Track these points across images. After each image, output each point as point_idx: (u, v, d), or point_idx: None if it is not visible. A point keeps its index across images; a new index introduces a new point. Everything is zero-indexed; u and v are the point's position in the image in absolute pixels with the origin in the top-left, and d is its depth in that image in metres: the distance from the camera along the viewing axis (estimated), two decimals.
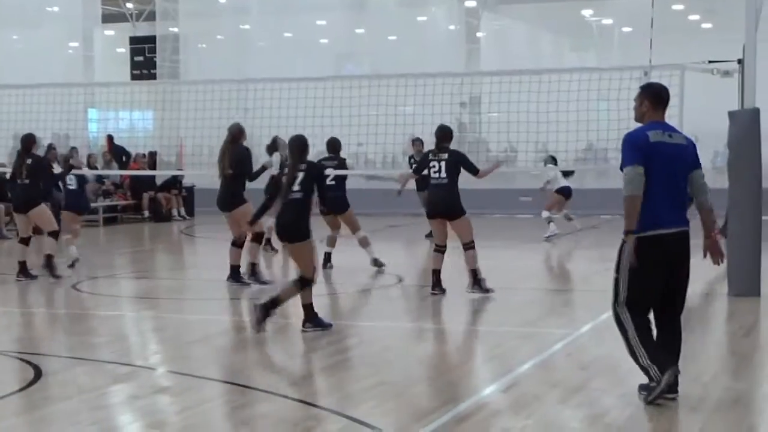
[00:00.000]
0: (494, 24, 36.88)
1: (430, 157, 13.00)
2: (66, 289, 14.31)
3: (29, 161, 14.99)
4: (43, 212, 15.08)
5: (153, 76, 30.77)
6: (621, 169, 7.52)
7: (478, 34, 35.36)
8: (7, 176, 15.87)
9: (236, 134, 14.00)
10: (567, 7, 36.38)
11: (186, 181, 27.96)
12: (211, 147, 18.66)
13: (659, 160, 7.45)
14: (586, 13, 37.22)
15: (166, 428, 7.21)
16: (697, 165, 7.74)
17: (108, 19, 36.19)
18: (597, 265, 15.90)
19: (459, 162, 12.86)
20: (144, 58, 31.18)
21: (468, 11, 34.84)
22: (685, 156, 7.64)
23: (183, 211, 27.76)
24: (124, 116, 27.96)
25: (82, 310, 12.94)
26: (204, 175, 21.43)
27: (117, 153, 27.80)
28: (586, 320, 11.53)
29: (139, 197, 26.76)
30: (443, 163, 12.79)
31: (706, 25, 36.06)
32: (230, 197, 13.83)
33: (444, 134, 13.00)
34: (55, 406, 7.74)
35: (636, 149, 7.46)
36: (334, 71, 29.91)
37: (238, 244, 13.79)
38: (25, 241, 15.09)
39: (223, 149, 14.01)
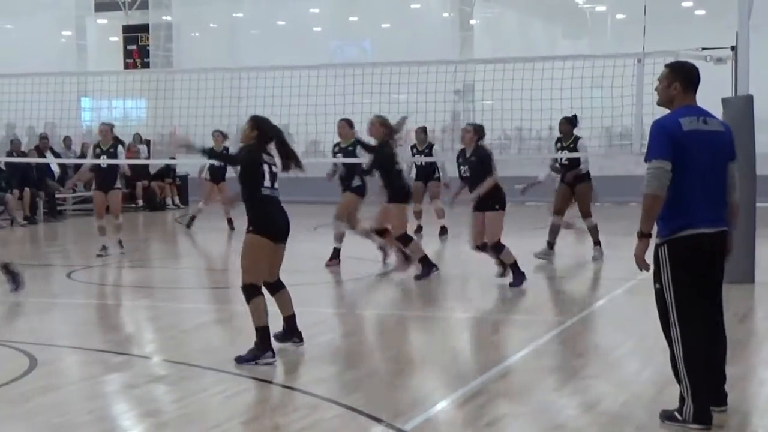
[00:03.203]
0: (487, 12, 36.86)
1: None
2: (60, 278, 14.30)
3: None
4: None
5: (146, 65, 30.71)
6: (645, 160, 6.59)
7: (472, 22, 35.35)
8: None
9: None
10: None
11: (180, 170, 27.93)
12: (204, 136, 18.63)
13: (695, 151, 6.53)
14: (579, 0, 37.21)
15: (161, 417, 7.22)
16: (733, 156, 6.80)
17: (101, 8, 36.11)
18: (590, 253, 15.89)
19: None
20: (137, 47, 31.12)
21: None
22: (722, 144, 6.71)
23: (177, 200, 27.75)
24: (117, 105, 27.88)
25: (77, 299, 12.93)
26: (197, 164, 21.40)
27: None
28: (581, 307, 11.57)
29: (133, 186, 26.73)
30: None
31: (699, 12, 36.02)
32: None
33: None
34: (50, 395, 7.74)
35: (666, 140, 6.52)
36: (327, 59, 29.91)
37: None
38: None
39: None
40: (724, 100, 12.84)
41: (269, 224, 8.86)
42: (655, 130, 6.61)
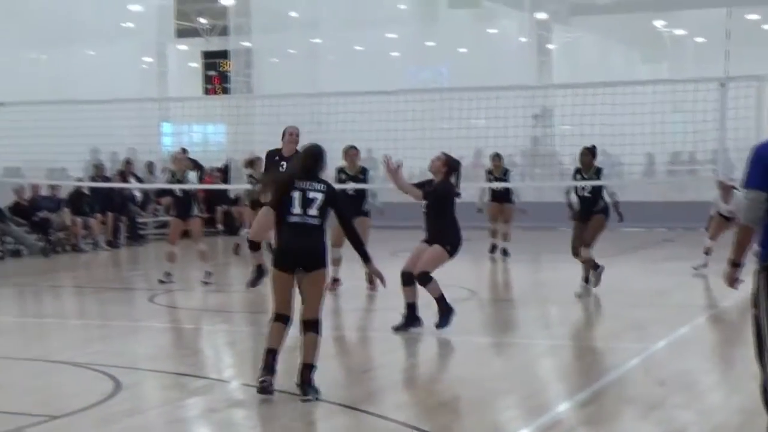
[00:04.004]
0: (565, 36, 36.74)
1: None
2: (142, 302, 14.45)
3: None
4: None
5: (226, 90, 31.03)
6: (743, 186, 6.38)
7: (549, 47, 35.24)
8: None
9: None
10: (639, 18, 36.13)
11: None
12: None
13: None
14: (659, 23, 36.96)
15: None
16: None
17: (182, 34, 36.61)
18: (672, 279, 15.71)
19: None
20: (217, 73, 31.47)
21: (539, 23, 34.75)
22: None
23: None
24: (197, 130, 28.21)
25: (159, 322, 13.06)
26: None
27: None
28: (663, 335, 11.40)
29: (213, 211, 26.95)
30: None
31: None
32: None
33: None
34: (133, 418, 7.81)
35: (761, 168, 6.23)
36: (404, 84, 29.98)
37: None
38: None
39: None
40: None
41: (277, 253, 8.60)
42: (753, 155, 6.35)
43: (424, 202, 11.66)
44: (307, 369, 8.37)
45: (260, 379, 8.31)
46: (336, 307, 13.34)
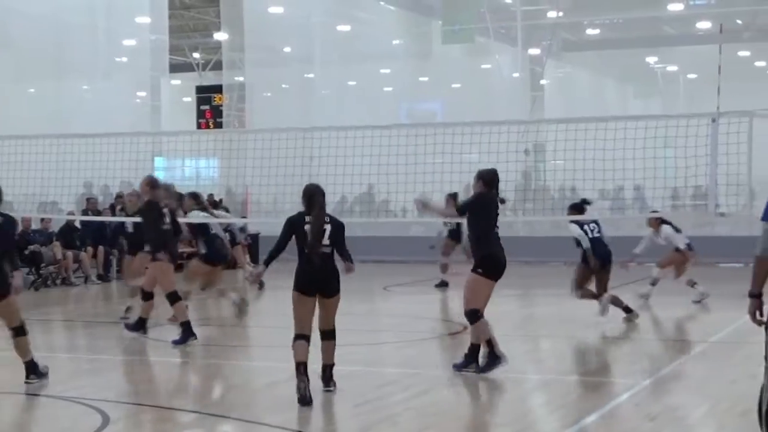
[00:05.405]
0: (558, 71, 36.93)
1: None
2: (132, 336, 14.38)
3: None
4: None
5: (219, 125, 31.08)
6: (762, 219, 6.51)
7: (542, 82, 35.41)
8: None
9: None
10: (631, 54, 36.37)
11: (251, 229, 28.10)
12: (276, 195, 18.77)
13: None
14: (651, 60, 37.20)
15: None
16: None
17: (175, 69, 36.70)
18: (664, 314, 15.68)
19: None
20: (210, 107, 31.53)
21: (532, 59, 34.94)
22: None
23: (248, 259, 27.86)
24: (190, 164, 28.22)
25: (149, 356, 13.00)
26: (269, 222, 21.55)
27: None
28: (654, 369, 11.40)
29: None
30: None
31: None
32: None
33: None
34: None
35: None
36: (398, 119, 30.08)
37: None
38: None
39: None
40: None
41: (296, 278, 9.78)
42: None
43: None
44: (329, 367, 9.92)
45: (301, 391, 9.39)
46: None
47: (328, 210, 9.83)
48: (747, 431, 6.61)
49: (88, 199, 24.20)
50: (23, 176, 18.43)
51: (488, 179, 10.93)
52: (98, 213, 23.82)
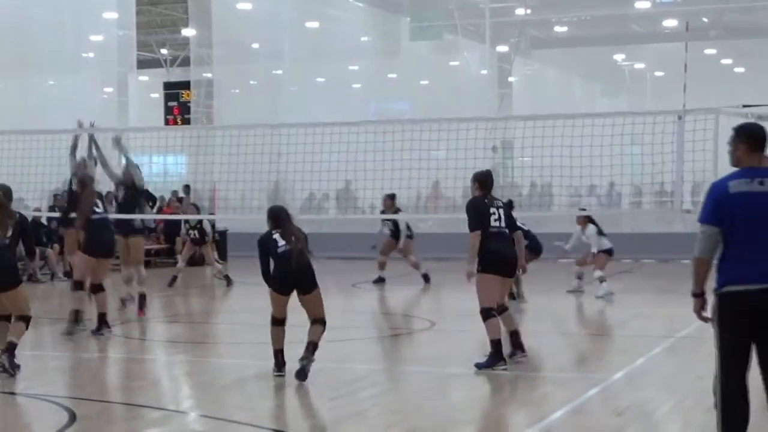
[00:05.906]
0: (526, 69, 37.01)
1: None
2: (103, 336, 14.31)
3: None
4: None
5: (187, 121, 30.96)
6: (699, 222, 6.70)
7: (510, 79, 35.48)
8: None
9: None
10: (599, 51, 36.53)
11: (219, 226, 28.03)
12: (243, 191, 18.72)
13: (741, 213, 6.55)
14: (618, 57, 37.36)
15: None
16: None
17: (143, 65, 36.51)
18: (631, 310, 15.75)
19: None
20: (177, 103, 31.40)
21: (500, 56, 35.00)
22: None
23: (216, 255, 27.80)
24: (157, 161, 28.09)
25: (116, 353, 12.95)
26: (237, 219, 21.50)
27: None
28: (621, 365, 11.45)
29: (173, 241, 26.83)
30: (501, 211, 11.43)
31: (739, 69, 36.06)
32: None
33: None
34: None
35: (711, 203, 6.64)
36: (366, 116, 30.05)
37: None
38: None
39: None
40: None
41: (271, 280, 10.42)
42: (708, 193, 6.71)
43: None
44: (312, 345, 10.26)
45: (276, 375, 10.26)
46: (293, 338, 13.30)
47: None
48: (713, 427, 6.65)
49: (55, 196, 24.02)
50: None
51: (482, 180, 11.41)
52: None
